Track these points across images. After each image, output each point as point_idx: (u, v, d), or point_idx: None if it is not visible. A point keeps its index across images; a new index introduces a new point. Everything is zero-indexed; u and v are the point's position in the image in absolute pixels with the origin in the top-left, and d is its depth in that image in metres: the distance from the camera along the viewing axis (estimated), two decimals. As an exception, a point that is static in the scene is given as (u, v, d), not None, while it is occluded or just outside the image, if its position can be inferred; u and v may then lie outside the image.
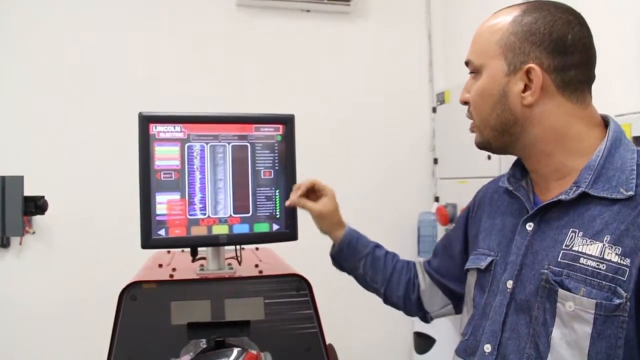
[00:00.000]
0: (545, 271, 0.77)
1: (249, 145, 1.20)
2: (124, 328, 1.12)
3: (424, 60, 2.88)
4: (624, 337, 0.70)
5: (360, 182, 2.65)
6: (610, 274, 0.71)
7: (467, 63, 0.88)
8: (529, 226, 0.83)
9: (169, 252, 1.62)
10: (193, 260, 1.24)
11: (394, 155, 2.79)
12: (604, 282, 0.72)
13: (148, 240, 1.13)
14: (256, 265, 1.29)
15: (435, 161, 2.79)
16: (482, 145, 0.89)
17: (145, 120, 1.14)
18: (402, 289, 1.13)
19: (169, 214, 1.15)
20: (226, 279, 1.19)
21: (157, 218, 1.14)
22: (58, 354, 2.31)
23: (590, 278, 0.73)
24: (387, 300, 1.17)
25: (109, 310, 1.13)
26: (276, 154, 1.22)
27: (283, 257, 1.54)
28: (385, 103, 2.78)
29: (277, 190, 1.22)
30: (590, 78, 0.82)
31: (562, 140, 0.81)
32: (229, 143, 1.19)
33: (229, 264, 1.26)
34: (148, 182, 1.13)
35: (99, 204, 2.35)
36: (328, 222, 1.19)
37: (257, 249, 1.65)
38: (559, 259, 0.77)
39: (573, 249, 0.76)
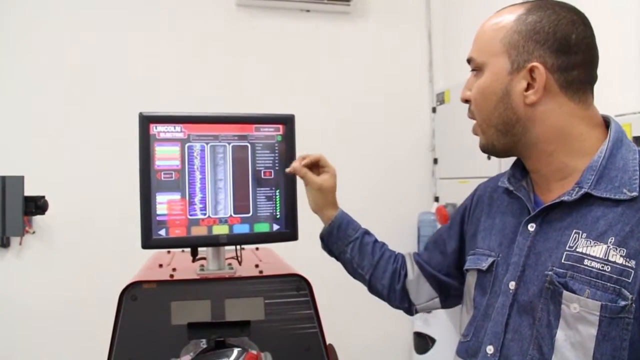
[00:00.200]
0: (549, 273, 0.77)
1: (249, 145, 1.20)
2: (124, 328, 1.12)
3: (424, 60, 2.88)
4: (629, 338, 0.70)
5: (360, 182, 2.65)
6: (615, 276, 0.71)
7: (469, 60, 0.87)
8: (531, 227, 0.83)
9: (169, 252, 1.61)
10: (193, 260, 1.24)
11: (394, 155, 2.80)
12: (608, 284, 0.71)
13: (148, 240, 1.13)
14: (256, 265, 1.29)
15: (435, 161, 2.80)
16: (486, 147, 0.88)
17: (146, 120, 1.14)
18: (388, 278, 1.12)
19: (169, 214, 1.15)
20: (226, 279, 1.19)
21: (158, 218, 1.14)
22: (58, 354, 2.31)
23: (594, 280, 0.72)
24: (371, 289, 1.16)
25: (109, 310, 1.13)
26: (276, 154, 1.22)
27: (283, 257, 1.53)
28: (385, 103, 2.78)
29: (277, 190, 1.22)
30: (592, 78, 0.82)
31: (563, 140, 0.81)
32: (229, 143, 1.19)
33: (229, 264, 1.26)
34: (148, 182, 1.13)
35: (99, 204, 2.35)
36: (323, 199, 1.17)
37: (257, 249, 1.64)
38: (562, 261, 0.76)
39: (577, 250, 0.75)
